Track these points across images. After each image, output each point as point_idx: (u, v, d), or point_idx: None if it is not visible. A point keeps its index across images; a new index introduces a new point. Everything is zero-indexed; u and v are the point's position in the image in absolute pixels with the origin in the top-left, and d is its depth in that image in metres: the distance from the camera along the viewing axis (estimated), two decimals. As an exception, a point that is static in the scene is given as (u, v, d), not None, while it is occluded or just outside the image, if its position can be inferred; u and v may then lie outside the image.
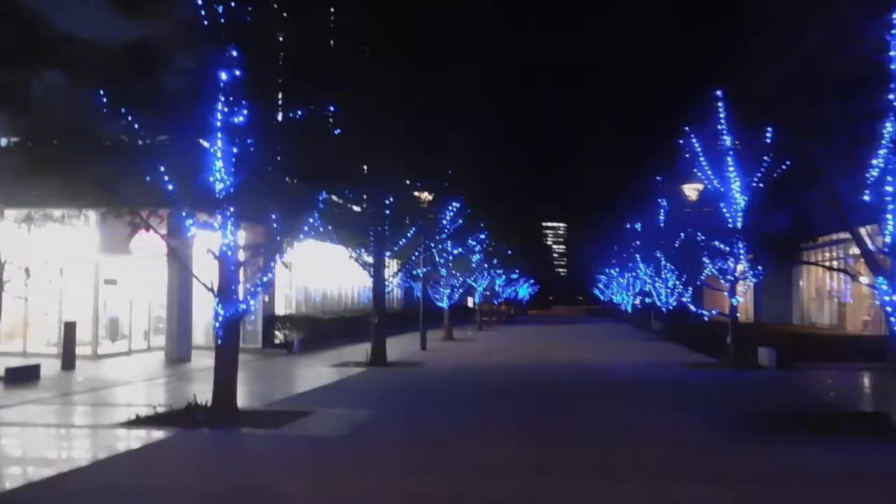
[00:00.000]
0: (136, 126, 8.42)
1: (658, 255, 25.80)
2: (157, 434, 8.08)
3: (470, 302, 37.14)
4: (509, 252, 39.57)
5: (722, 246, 15.82)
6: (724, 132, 15.17)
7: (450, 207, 18.86)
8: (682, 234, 20.13)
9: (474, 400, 11.19)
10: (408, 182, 17.45)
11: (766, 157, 15.05)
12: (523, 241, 53.59)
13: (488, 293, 39.03)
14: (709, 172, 15.69)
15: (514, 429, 8.78)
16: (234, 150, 8.58)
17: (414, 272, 20.33)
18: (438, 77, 14.36)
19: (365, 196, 16.05)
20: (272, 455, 7.36)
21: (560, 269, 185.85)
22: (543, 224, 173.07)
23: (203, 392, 9.12)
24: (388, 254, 16.87)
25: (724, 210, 15.63)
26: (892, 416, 8.14)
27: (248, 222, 11.27)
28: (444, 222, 23.23)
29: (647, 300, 36.11)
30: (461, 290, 27.80)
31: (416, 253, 17.17)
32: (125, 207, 9.12)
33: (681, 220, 21.74)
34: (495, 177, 33.73)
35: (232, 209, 8.87)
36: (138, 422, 8.60)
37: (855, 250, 26.24)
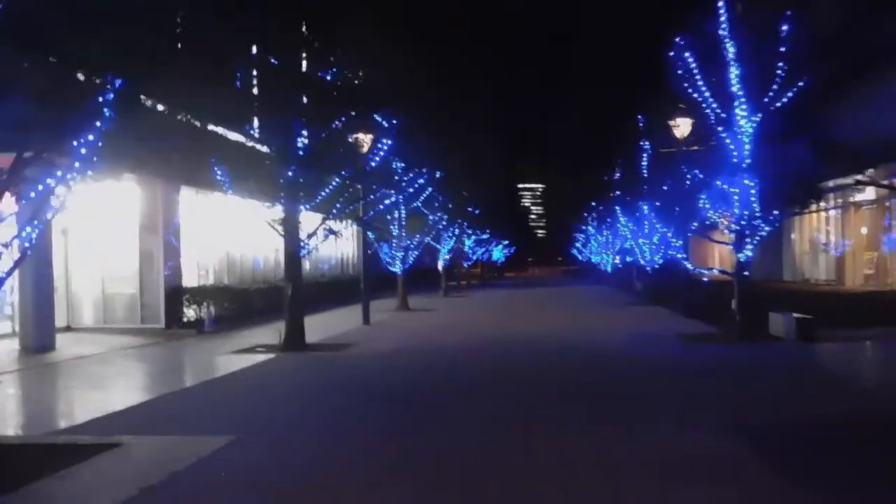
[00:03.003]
0: None
1: (642, 206, 22.44)
2: None
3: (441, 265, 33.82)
4: (475, 210, 36.06)
5: (726, 187, 12.43)
6: (726, 37, 11.66)
7: (381, 146, 14.99)
8: (672, 179, 16.70)
9: (403, 408, 7.76)
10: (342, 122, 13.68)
11: (779, 70, 11.63)
12: (495, 200, 50.29)
13: (453, 256, 35.57)
14: (706, 94, 12.22)
15: (452, 470, 5.38)
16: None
17: (359, 221, 16.62)
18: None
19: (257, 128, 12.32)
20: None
21: (538, 231, 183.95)
22: (520, 185, 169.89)
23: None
24: (306, 207, 13.19)
25: (728, 141, 12.22)
26: None
27: None
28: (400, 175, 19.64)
29: (629, 259, 33.07)
30: (418, 252, 24.22)
31: (339, 203, 13.40)
32: None
33: (670, 161, 18.33)
34: (467, 138, 30.55)
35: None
36: None
37: (858, 197, 23.03)
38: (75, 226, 16.93)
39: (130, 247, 16.80)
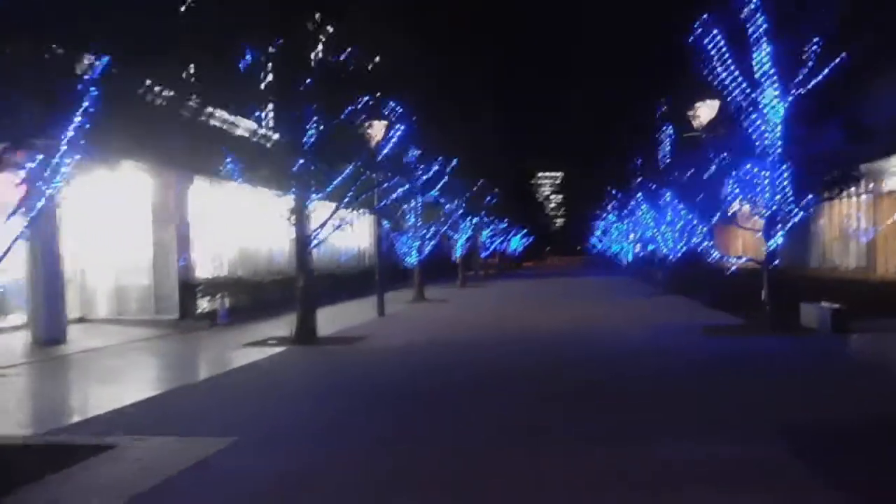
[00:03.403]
0: None
1: (665, 193, 21.74)
2: None
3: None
4: (492, 199, 35.50)
5: (756, 170, 11.80)
6: (757, 11, 10.99)
7: (394, 133, 14.51)
8: (696, 164, 16.03)
9: (412, 409, 7.38)
10: (356, 108, 13.26)
11: (813, 49, 10.94)
12: (513, 188, 49.68)
13: (470, 246, 35.12)
14: (735, 74, 11.55)
15: (455, 482, 4.99)
16: None
17: (372, 210, 16.22)
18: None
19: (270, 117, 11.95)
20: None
21: (557, 219, 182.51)
22: (539, 174, 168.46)
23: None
24: (317, 196, 12.82)
25: (759, 122, 11.57)
26: None
27: None
28: (416, 166, 19.21)
29: (650, 248, 32.32)
30: (435, 243, 23.81)
31: (351, 192, 12.99)
32: None
33: (694, 146, 17.65)
34: (483, 126, 30.12)
35: None
36: None
37: (890, 181, 22.02)
38: (89, 218, 16.81)
39: (144, 238, 16.62)
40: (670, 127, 21.22)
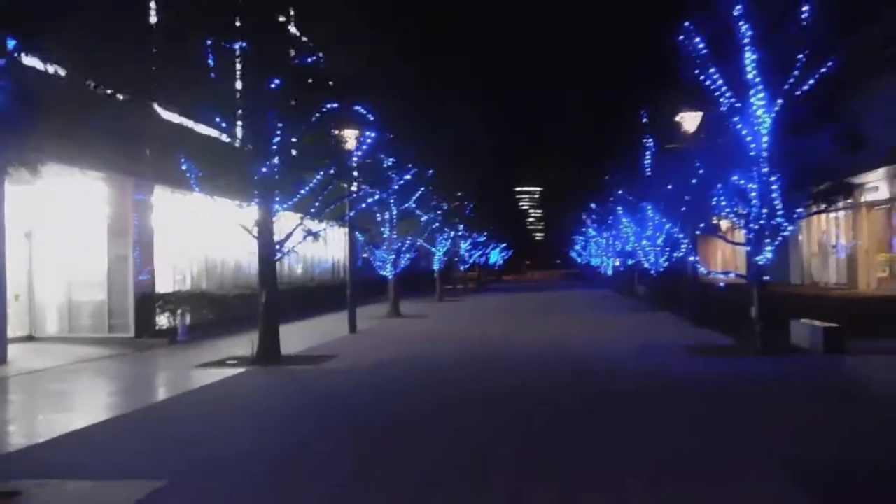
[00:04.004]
0: None
1: (646, 206, 21.29)
2: None
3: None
4: (470, 211, 34.90)
5: (742, 182, 11.28)
6: (742, 17, 10.52)
7: (366, 140, 13.75)
8: (679, 175, 15.56)
9: (374, 443, 6.59)
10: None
11: (800, 56, 10.49)
12: (492, 201, 49.24)
13: (449, 259, 34.40)
14: (719, 82, 11.06)
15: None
16: None
17: (340, 221, 15.39)
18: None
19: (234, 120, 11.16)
20: None
21: (537, 234, 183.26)
22: (518, 189, 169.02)
23: None
24: (282, 206, 12.02)
25: (745, 132, 11.07)
26: None
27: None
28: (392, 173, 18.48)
29: (630, 262, 31.95)
30: (412, 256, 23.05)
31: (318, 201, 12.17)
32: None
33: (676, 157, 17.22)
34: (462, 137, 29.67)
35: None
36: None
37: (869, 196, 21.87)
38: (41, 229, 15.78)
39: (99, 250, 15.62)
40: (651, 139, 20.82)
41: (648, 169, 20.90)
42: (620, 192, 25.09)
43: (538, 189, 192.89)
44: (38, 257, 15.73)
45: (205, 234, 18.62)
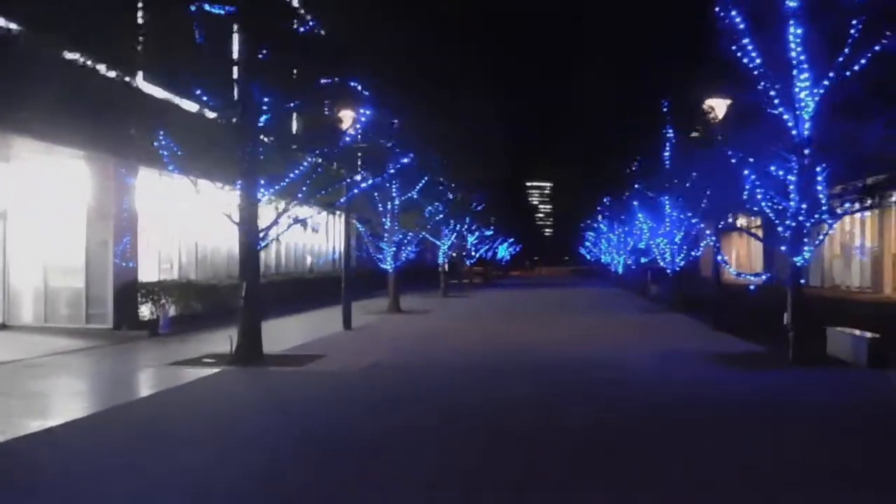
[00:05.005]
0: None
1: (664, 201, 20.07)
2: None
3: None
4: (478, 204, 33.72)
5: (781, 173, 10.06)
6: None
7: (361, 118, 12.54)
8: (703, 167, 14.33)
9: (352, 468, 5.49)
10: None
11: (852, 31, 9.24)
12: (501, 194, 48.07)
13: (456, 253, 33.29)
14: (757, 61, 9.81)
15: None
16: None
17: (330, 207, 14.27)
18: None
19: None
20: None
21: (546, 229, 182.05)
22: (528, 183, 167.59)
23: None
24: (269, 191, 10.92)
25: (786, 117, 9.84)
26: None
27: None
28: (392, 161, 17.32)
29: (644, 259, 30.71)
30: (415, 249, 21.93)
31: (305, 186, 11.01)
32: None
33: (700, 149, 15.99)
34: (470, 126, 28.59)
35: None
36: None
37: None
38: (16, 210, 14.79)
39: (77, 235, 14.60)
40: (672, 130, 19.56)
41: (668, 161, 19.66)
42: (637, 185, 23.82)
43: (548, 184, 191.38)
44: (13, 240, 14.74)
45: (195, 219, 17.56)
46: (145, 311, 14.95)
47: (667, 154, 19.84)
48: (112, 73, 10.26)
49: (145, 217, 15.54)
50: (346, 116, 13.44)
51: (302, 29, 11.13)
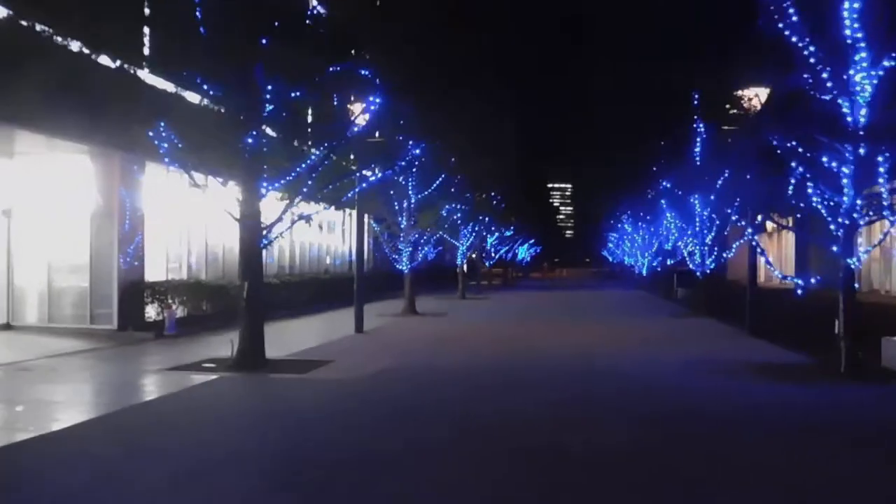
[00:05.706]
0: None
1: (693, 200, 19.06)
2: None
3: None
4: (499, 203, 32.86)
5: (834, 165, 9.10)
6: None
7: (370, 106, 11.73)
8: (739, 159, 13.33)
9: (355, 493, 4.73)
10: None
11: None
12: (521, 195, 47.15)
13: (475, 254, 32.48)
14: (808, 40, 8.86)
15: None
16: None
17: (337, 203, 13.50)
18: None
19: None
20: None
21: (567, 231, 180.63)
22: (550, 185, 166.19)
23: None
24: (273, 186, 10.23)
25: (840, 101, 8.88)
26: None
27: None
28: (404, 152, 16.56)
29: (670, 261, 29.60)
30: (432, 250, 21.19)
31: (309, 182, 10.28)
32: None
33: (733, 142, 15.03)
34: (491, 125, 27.87)
35: None
36: None
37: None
38: (21, 208, 14.34)
39: (82, 233, 14.10)
40: (702, 124, 18.54)
41: (698, 157, 18.64)
42: (666, 183, 22.77)
43: (569, 186, 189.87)
44: (18, 238, 14.30)
45: (205, 217, 17.01)
46: (152, 311, 14.41)
47: (697, 150, 18.82)
48: (115, 64, 9.72)
49: (153, 214, 15.01)
50: (355, 106, 12.74)
51: (308, 12, 10.47)
